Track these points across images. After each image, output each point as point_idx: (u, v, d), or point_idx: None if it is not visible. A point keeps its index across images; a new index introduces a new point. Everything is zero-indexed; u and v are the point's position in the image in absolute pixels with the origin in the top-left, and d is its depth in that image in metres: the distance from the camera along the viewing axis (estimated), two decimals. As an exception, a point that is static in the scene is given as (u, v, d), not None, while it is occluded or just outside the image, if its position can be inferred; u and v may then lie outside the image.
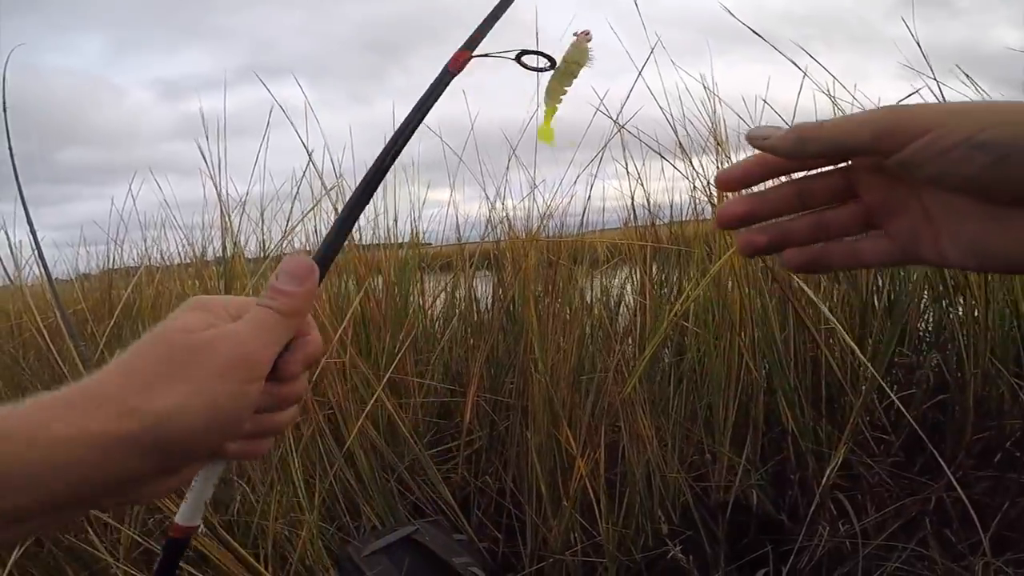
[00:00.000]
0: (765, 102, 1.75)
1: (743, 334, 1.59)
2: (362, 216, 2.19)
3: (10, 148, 1.34)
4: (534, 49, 0.53)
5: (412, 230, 2.28)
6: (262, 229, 2.16)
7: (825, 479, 1.42)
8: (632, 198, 1.98)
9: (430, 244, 2.40)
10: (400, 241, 2.25)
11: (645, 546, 1.56)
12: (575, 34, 0.54)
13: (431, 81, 0.51)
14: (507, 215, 2.13)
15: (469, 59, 0.51)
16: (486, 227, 2.20)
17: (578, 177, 1.90)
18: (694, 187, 1.92)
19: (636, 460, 1.57)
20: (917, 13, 1.56)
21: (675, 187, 2.00)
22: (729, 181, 0.41)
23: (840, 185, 0.40)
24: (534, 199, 2.01)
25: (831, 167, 0.40)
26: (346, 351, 1.78)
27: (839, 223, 0.41)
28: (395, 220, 2.24)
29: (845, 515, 1.48)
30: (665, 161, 1.84)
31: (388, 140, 0.49)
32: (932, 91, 1.57)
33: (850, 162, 0.39)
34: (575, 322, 1.81)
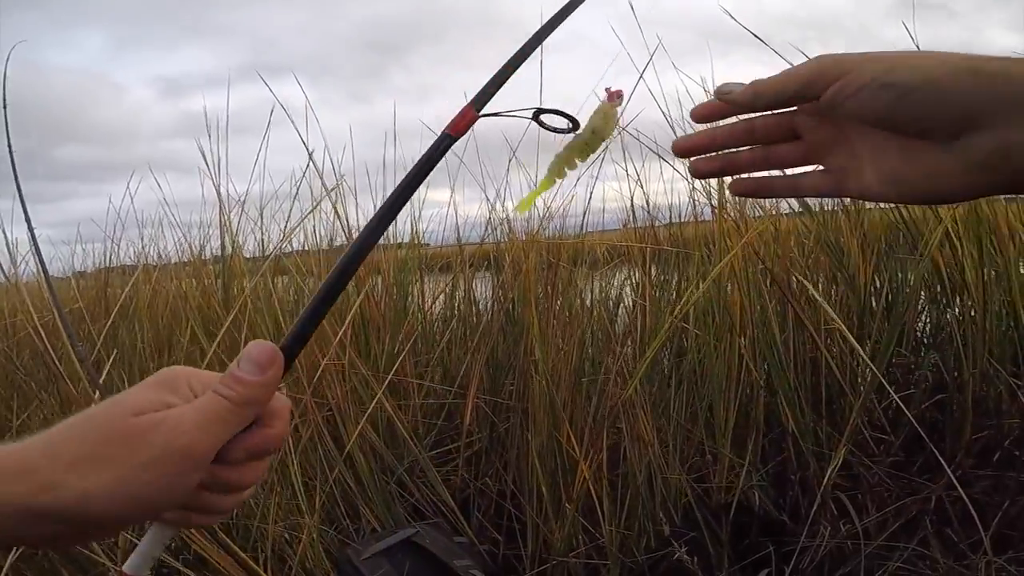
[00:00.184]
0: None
1: (743, 335, 1.60)
2: (361, 216, 2.19)
3: (9, 146, 1.32)
4: (554, 108, 0.48)
5: (412, 230, 2.27)
6: (261, 228, 2.15)
7: (826, 479, 1.43)
8: (632, 199, 1.99)
9: (429, 245, 2.40)
10: (399, 241, 2.25)
11: (647, 547, 1.55)
12: (606, 90, 0.48)
13: (427, 147, 0.45)
14: (507, 216, 2.13)
15: (476, 120, 0.46)
16: (486, 228, 2.19)
17: (579, 179, 1.90)
18: (693, 188, 1.93)
19: (638, 461, 1.57)
20: (915, 16, 1.58)
21: (674, 188, 2.01)
22: (683, 150, 0.48)
23: (785, 125, 0.45)
24: (535, 202, 2.00)
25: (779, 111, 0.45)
26: (345, 352, 1.77)
27: (780, 156, 0.46)
28: (395, 220, 2.23)
29: (846, 515, 1.48)
30: (664, 162, 1.85)
31: (373, 216, 0.45)
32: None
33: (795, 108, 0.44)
34: (575, 324, 1.81)
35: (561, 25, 0.50)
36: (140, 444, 0.37)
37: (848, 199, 1.76)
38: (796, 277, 1.63)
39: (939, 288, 1.69)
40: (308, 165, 1.95)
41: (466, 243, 2.31)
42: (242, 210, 2.05)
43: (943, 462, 1.33)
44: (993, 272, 1.47)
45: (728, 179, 0.50)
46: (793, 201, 1.88)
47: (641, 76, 1.66)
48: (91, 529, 0.39)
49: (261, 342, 0.42)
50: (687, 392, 1.70)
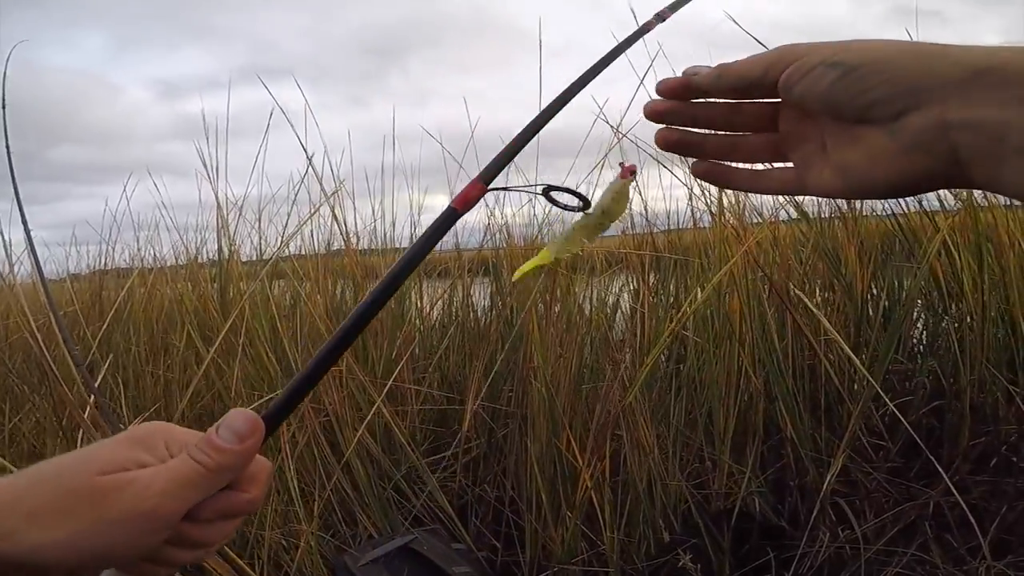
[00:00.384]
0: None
1: (742, 343, 1.61)
2: (359, 221, 2.18)
3: (8, 147, 1.31)
4: (564, 187, 0.47)
5: (411, 235, 2.27)
6: (259, 232, 2.14)
7: (825, 485, 1.44)
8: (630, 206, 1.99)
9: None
10: (398, 246, 2.24)
11: (647, 554, 1.55)
12: (620, 164, 0.48)
13: (434, 220, 0.44)
14: (506, 222, 2.13)
15: (484, 193, 0.45)
16: (484, 234, 2.19)
17: (578, 185, 1.90)
18: (692, 195, 1.94)
19: (638, 468, 1.57)
20: (909, 22, 1.60)
21: (672, 195, 2.02)
22: (655, 113, 0.46)
23: (766, 113, 0.44)
24: (533, 206, 2.01)
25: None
26: (343, 358, 1.76)
27: (749, 147, 0.45)
28: (392, 225, 2.23)
29: (845, 521, 1.49)
30: (663, 167, 1.86)
31: (369, 292, 0.44)
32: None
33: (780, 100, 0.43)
34: (574, 330, 1.81)
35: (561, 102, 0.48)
36: (104, 503, 0.37)
37: (844, 204, 1.78)
38: (794, 289, 1.64)
39: (936, 295, 1.71)
40: (307, 169, 1.95)
41: (465, 249, 2.31)
42: (240, 213, 2.04)
43: (940, 469, 1.34)
44: (990, 280, 1.49)
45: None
46: (791, 208, 1.89)
47: (641, 82, 1.67)
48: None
49: (243, 411, 0.42)
50: (686, 399, 1.70)
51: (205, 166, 1.91)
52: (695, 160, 0.47)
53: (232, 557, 1.38)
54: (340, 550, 1.59)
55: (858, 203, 1.74)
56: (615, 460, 1.60)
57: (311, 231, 2.19)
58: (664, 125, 0.46)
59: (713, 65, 0.43)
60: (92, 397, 1.44)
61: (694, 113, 0.46)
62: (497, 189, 0.45)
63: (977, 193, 1.53)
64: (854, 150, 0.39)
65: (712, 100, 0.45)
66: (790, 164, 0.44)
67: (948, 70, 0.34)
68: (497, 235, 2.18)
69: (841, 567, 1.44)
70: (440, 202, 2.37)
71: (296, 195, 2.07)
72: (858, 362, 1.49)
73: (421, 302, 2.22)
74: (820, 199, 1.71)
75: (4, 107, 1.33)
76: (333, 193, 1.97)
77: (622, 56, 0.53)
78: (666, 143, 0.47)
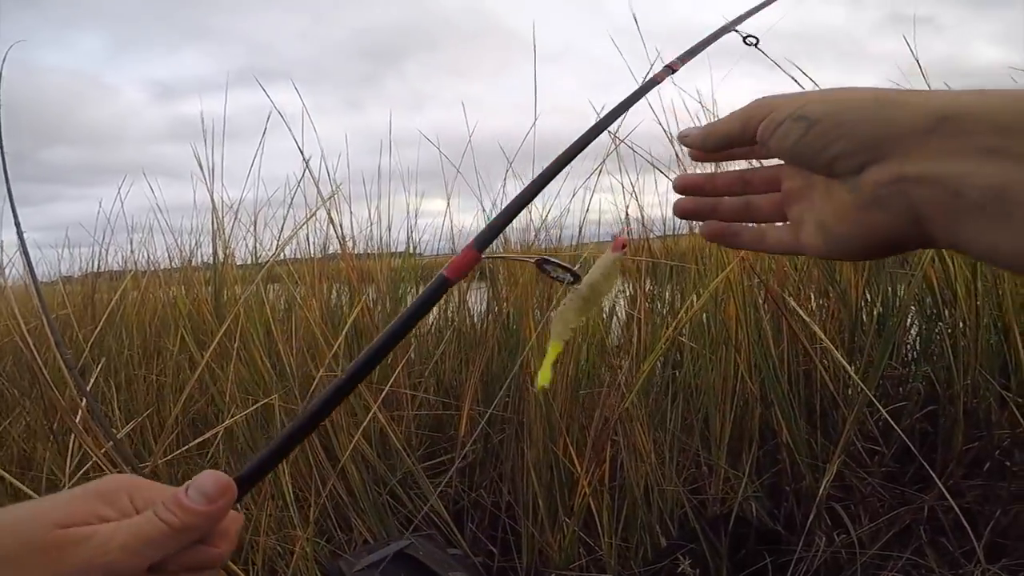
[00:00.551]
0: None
1: (738, 348, 1.62)
2: (355, 225, 2.17)
3: (2, 149, 1.29)
4: (557, 261, 0.48)
5: (408, 239, 2.26)
6: (254, 235, 2.12)
7: (821, 490, 1.44)
8: (626, 212, 2.00)
9: (423, 254, 2.39)
10: (394, 251, 2.24)
11: (645, 559, 1.55)
12: (613, 236, 0.49)
13: (428, 286, 0.45)
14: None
15: (478, 261, 0.45)
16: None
17: (576, 191, 1.92)
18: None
19: (635, 473, 1.57)
20: (903, 29, 1.62)
21: (668, 201, 2.03)
22: (683, 187, 0.49)
23: (774, 176, 0.44)
24: (530, 211, 2.02)
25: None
26: (339, 363, 1.75)
27: (760, 209, 0.46)
28: (388, 229, 2.23)
29: (841, 525, 1.50)
30: (659, 173, 1.87)
31: (362, 353, 0.44)
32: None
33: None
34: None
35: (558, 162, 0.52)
36: (61, 556, 0.36)
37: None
38: (788, 299, 1.65)
39: (930, 302, 1.73)
40: (304, 172, 1.94)
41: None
42: (235, 216, 2.03)
43: (933, 474, 1.35)
44: (983, 286, 1.50)
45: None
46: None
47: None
48: None
49: (214, 473, 0.41)
50: (683, 404, 1.70)
51: (201, 168, 1.90)
52: (706, 224, 0.48)
53: (227, 563, 1.37)
54: (335, 556, 1.58)
55: None
56: (612, 465, 1.60)
57: (307, 235, 2.18)
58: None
59: (701, 125, 0.45)
60: (84, 401, 1.42)
61: (714, 185, 0.48)
62: (492, 257, 0.45)
63: None
64: (828, 206, 0.38)
65: (725, 171, 0.48)
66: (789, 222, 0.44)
67: (908, 119, 0.33)
68: (494, 240, 2.17)
69: (837, 571, 1.45)
70: (436, 207, 2.37)
71: (292, 198, 2.06)
72: (851, 369, 1.51)
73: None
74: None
75: (1, 107, 1.32)
76: (329, 197, 1.97)
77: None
78: (683, 212, 0.50)
